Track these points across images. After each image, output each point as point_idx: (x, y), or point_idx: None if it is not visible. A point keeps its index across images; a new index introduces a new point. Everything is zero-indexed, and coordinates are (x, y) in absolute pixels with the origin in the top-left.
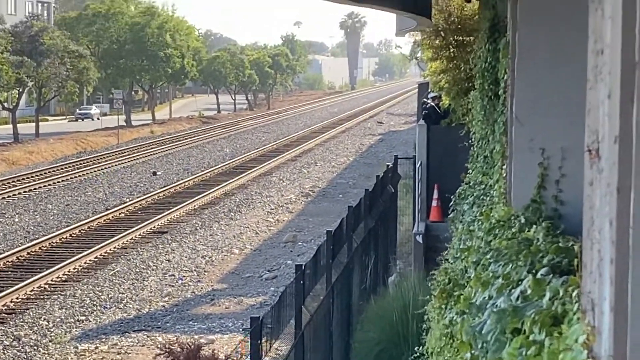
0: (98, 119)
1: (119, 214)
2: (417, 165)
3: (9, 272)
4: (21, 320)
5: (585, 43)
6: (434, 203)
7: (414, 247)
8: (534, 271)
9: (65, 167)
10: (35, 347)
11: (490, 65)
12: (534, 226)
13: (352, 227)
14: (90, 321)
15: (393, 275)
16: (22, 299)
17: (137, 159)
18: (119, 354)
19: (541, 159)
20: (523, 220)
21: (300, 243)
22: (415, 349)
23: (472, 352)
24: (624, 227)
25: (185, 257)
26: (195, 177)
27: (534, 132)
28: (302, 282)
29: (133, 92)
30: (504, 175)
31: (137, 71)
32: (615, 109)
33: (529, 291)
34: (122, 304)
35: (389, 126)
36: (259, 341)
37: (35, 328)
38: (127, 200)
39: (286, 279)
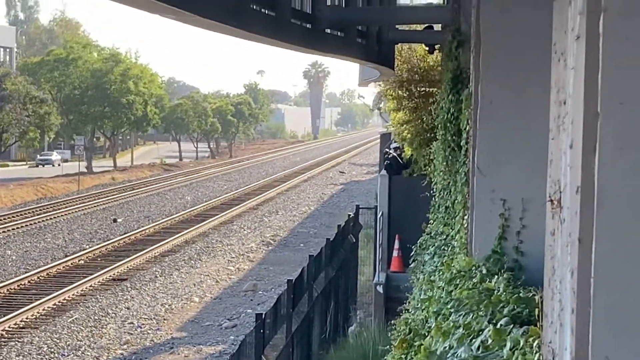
0: (59, 165)
1: (79, 260)
2: (379, 215)
3: None
4: None
5: (547, 94)
6: (395, 253)
7: (375, 297)
8: (494, 321)
9: (25, 213)
10: None
11: (453, 116)
12: (495, 277)
13: (313, 277)
14: None
15: (353, 325)
16: None
17: (98, 205)
18: None
19: (502, 209)
20: (484, 271)
21: (260, 292)
22: None
23: None
24: (585, 277)
25: (145, 304)
26: (156, 225)
27: (496, 183)
28: (262, 331)
29: (95, 139)
30: (466, 225)
31: (99, 117)
32: (577, 159)
33: (489, 341)
34: (80, 352)
35: (350, 176)
36: None
37: None
38: (87, 247)
39: (246, 327)
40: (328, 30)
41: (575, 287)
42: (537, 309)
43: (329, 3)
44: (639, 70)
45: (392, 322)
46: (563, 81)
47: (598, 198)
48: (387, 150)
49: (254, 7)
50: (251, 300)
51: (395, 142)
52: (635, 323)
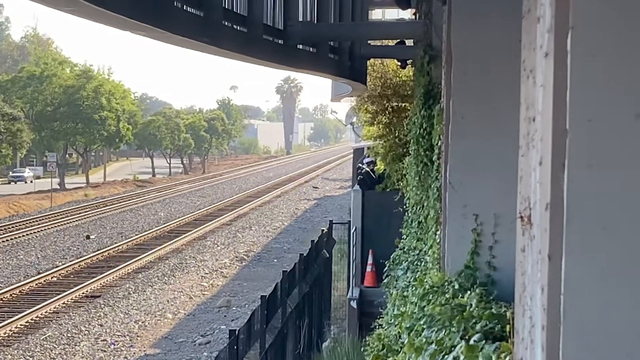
0: (31, 181)
1: (51, 277)
2: (352, 230)
3: None
4: None
5: (518, 110)
6: (369, 268)
7: (348, 313)
8: (467, 337)
9: None
10: None
11: (425, 131)
12: (468, 292)
13: (287, 292)
14: None
15: (327, 341)
16: None
17: (71, 222)
18: None
19: (475, 224)
20: (457, 286)
21: (234, 308)
22: None
23: None
24: (555, 294)
25: (118, 321)
26: (129, 241)
27: (468, 198)
28: (235, 347)
29: (67, 155)
30: (438, 240)
31: (72, 134)
32: (547, 176)
33: (462, 357)
34: None
35: (324, 191)
36: None
37: None
38: (60, 264)
39: (220, 344)
40: (300, 46)
41: (546, 304)
42: (508, 325)
43: (301, 19)
44: (607, 87)
45: (366, 337)
46: (532, 98)
47: (567, 215)
48: (360, 165)
49: (226, 23)
50: (225, 316)
51: (368, 156)
52: (605, 340)
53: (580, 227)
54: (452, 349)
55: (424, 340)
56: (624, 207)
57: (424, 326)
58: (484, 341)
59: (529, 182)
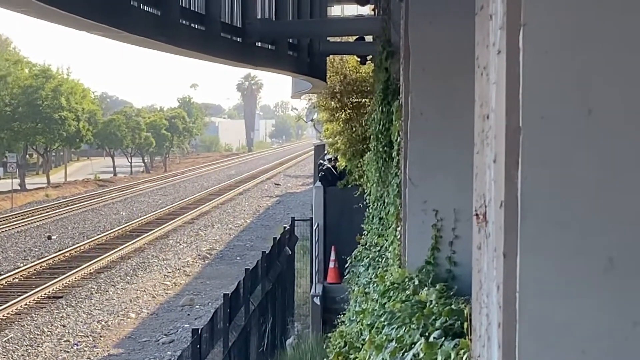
0: None
1: (13, 279)
2: (314, 227)
3: None
4: None
5: (473, 107)
6: (331, 264)
7: (312, 309)
8: (426, 334)
9: None
10: None
11: (385, 127)
12: (428, 288)
13: (249, 290)
14: None
15: (291, 338)
16: None
17: (32, 223)
18: None
19: (435, 220)
20: (417, 282)
21: (197, 306)
22: None
23: None
24: (511, 292)
25: (81, 322)
26: (91, 241)
27: (427, 194)
28: (198, 346)
29: (28, 156)
30: (399, 237)
31: (32, 134)
32: (501, 174)
33: (421, 355)
34: None
35: (286, 188)
36: None
37: None
38: (21, 264)
39: (183, 342)
40: (259, 44)
41: (502, 302)
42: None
43: (259, 16)
44: (559, 84)
45: (330, 333)
46: (486, 95)
47: (522, 212)
48: (322, 161)
49: (184, 22)
50: (188, 314)
51: (329, 153)
52: (561, 337)
53: (534, 225)
54: (412, 346)
55: (384, 337)
56: (578, 203)
57: (385, 323)
58: (443, 338)
59: (483, 180)
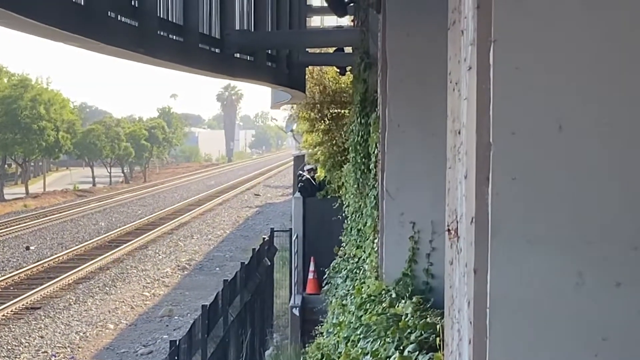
0: None
1: None
2: (294, 238)
3: None
4: None
5: None
6: (310, 275)
7: (291, 320)
8: (401, 348)
9: None
10: None
11: (363, 138)
12: (404, 301)
13: (228, 301)
14: None
15: (270, 349)
16: None
17: (10, 233)
18: None
19: (412, 232)
20: (394, 295)
21: (176, 317)
22: None
23: None
24: (481, 308)
25: (59, 333)
26: (69, 252)
27: (405, 206)
28: (176, 357)
29: (6, 165)
30: (376, 249)
31: (10, 144)
32: (472, 190)
33: None
34: None
35: (266, 198)
36: None
37: None
38: None
39: (162, 353)
40: (237, 55)
41: (472, 318)
42: (438, 338)
43: (237, 27)
44: (529, 100)
45: (308, 345)
46: (458, 111)
47: (492, 228)
48: (301, 172)
49: (162, 33)
50: (167, 325)
51: (308, 163)
52: (531, 353)
53: (505, 241)
54: (387, 359)
55: (360, 351)
56: (548, 219)
57: (360, 336)
58: (417, 352)
59: (455, 195)
